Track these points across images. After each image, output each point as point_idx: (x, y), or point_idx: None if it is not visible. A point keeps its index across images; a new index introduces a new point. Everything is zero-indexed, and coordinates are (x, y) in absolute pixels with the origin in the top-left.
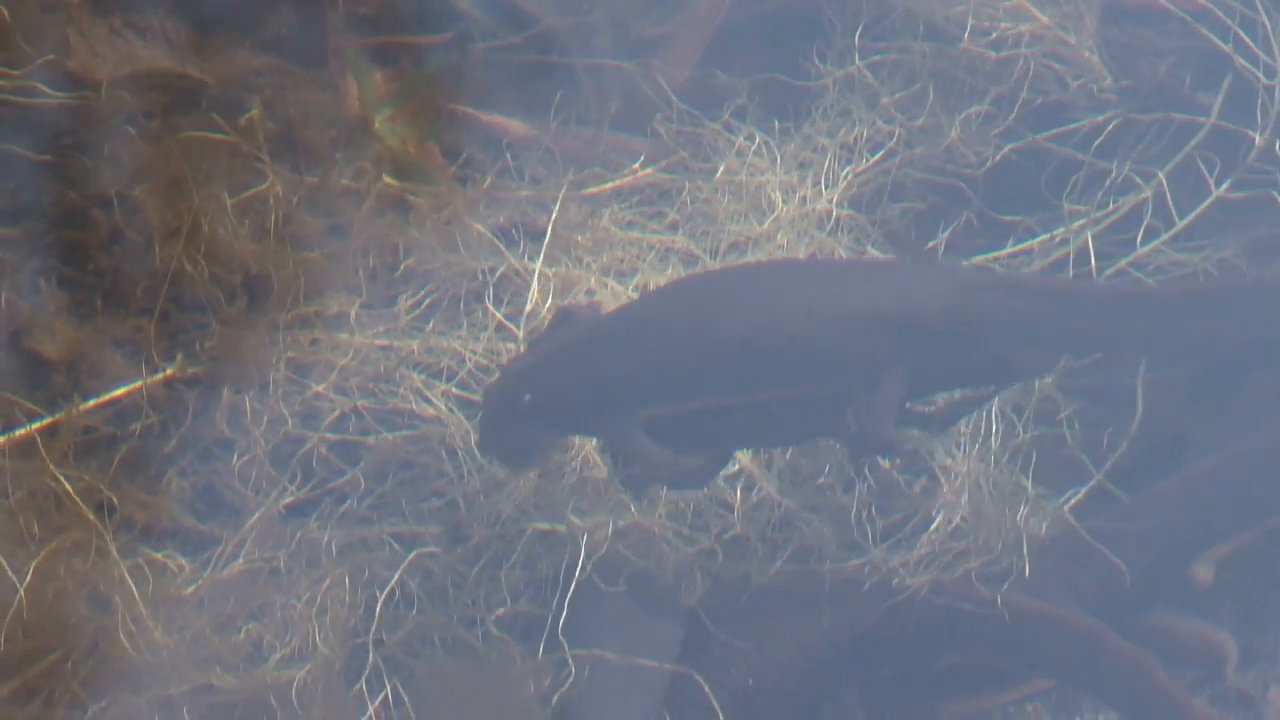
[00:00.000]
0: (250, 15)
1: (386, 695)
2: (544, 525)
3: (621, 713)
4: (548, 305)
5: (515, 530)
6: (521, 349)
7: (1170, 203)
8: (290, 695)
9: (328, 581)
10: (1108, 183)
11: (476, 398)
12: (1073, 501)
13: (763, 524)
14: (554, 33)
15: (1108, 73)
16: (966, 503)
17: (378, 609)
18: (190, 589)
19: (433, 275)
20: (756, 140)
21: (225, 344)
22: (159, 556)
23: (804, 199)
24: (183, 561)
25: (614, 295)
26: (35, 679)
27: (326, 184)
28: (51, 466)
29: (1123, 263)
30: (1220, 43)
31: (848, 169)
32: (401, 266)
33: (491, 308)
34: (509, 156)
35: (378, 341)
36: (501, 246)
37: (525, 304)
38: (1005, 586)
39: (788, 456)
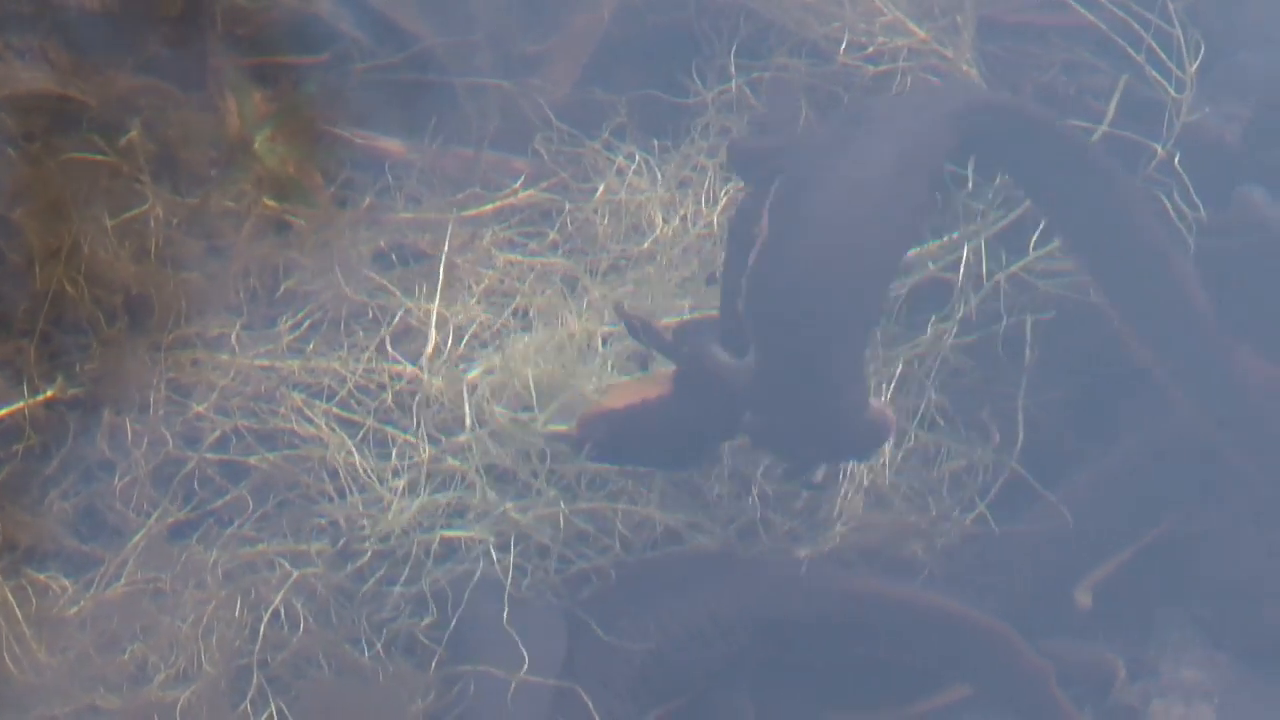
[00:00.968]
0: (130, 37)
1: (272, 716)
2: (431, 539)
3: None
4: (442, 333)
5: (402, 547)
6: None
7: None
8: (175, 716)
9: (213, 602)
10: (990, 194)
11: (358, 417)
12: (970, 515)
13: (646, 539)
14: (433, 52)
15: (987, 85)
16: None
17: (262, 629)
18: (74, 610)
19: (313, 296)
20: (637, 159)
21: (106, 365)
22: (41, 578)
23: (685, 218)
24: (66, 582)
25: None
26: None
27: (207, 205)
28: None
29: (1014, 268)
30: (1092, 57)
31: (728, 187)
32: (282, 287)
33: (384, 332)
34: (389, 177)
35: (258, 362)
36: (395, 268)
37: (406, 324)
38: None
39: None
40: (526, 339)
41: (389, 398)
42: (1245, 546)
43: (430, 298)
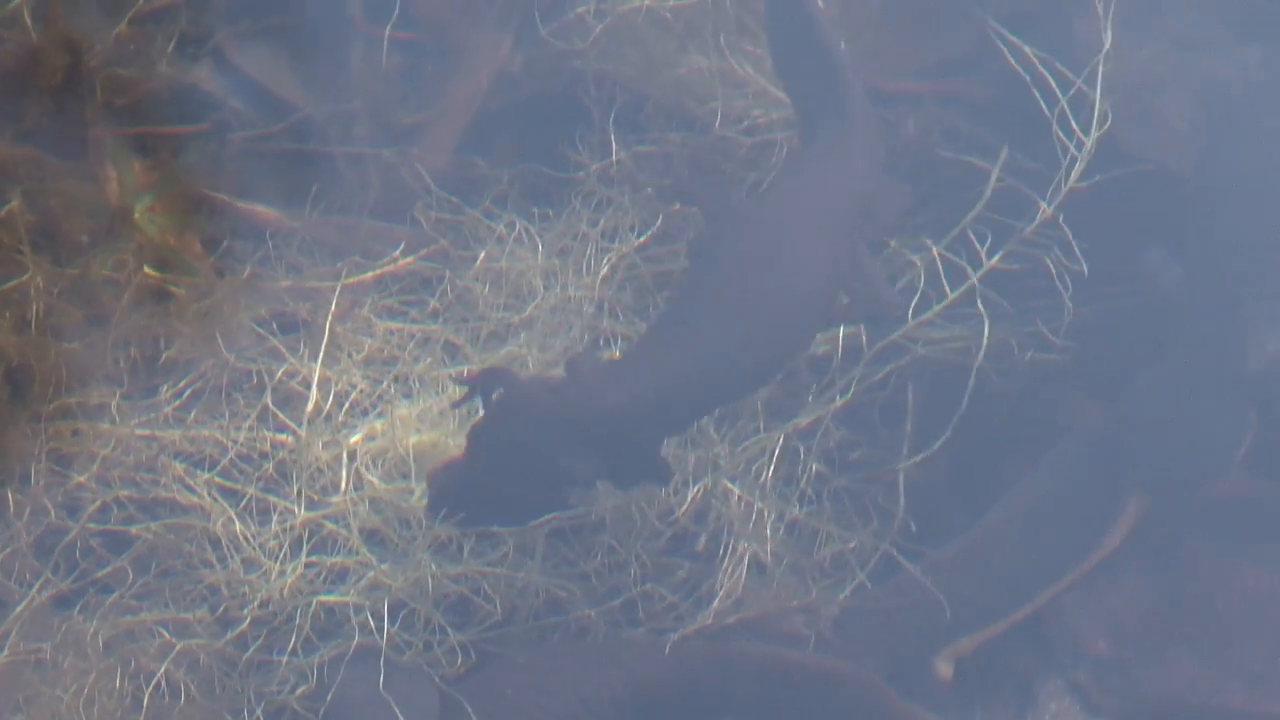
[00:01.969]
0: (9, 106)
1: None
2: (309, 604)
3: None
4: (325, 402)
5: (282, 613)
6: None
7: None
8: None
9: (94, 672)
10: (884, 253)
11: (239, 486)
12: (852, 584)
13: (528, 609)
14: (312, 121)
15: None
16: (745, 572)
17: (145, 700)
18: None
19: (194, 365)
20: (517, 227)
21: None
22: None
23: (565, 285)
24: None
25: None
26: None
27: (87, 275)
28: None
29: (894, 335)
30: (970, 124)
31: (609, 255)
32: (163, 356)
33: (268, 400)
34: (269, 245)
35: (140, 431)
36: (275, 337)
37: (288, 393)
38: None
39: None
40: (407, 406)
41: (270, 466)
42: (1126, 603)
43: (312, 361)
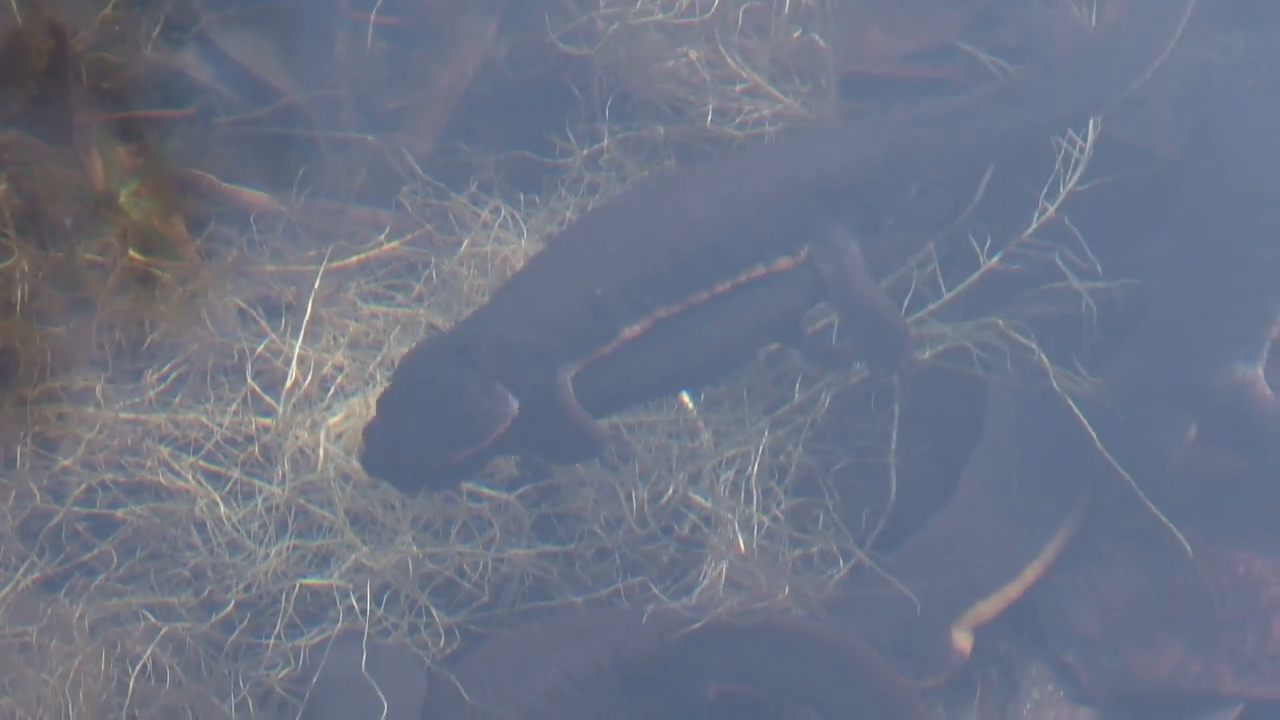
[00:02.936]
0: None
1: None
2: (292, 586)
3: None
4: (306, 382)
5: (268, 597)
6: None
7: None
8: None
9: (80, 656)
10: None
11: (223, 469)
12: (839, 574)
13: (512, 593)
14: (298, 106)
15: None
16: (735, 554)
17: (130, 683)
18: None
19: (179, 348)
20: (502, 213)
21: None
22: None
23: None
24: None
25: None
26: None
27: (72, 259)
28: None
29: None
30: None
31: None
32: (148, 340)
33: (253, 383)
34: (254, 230)
35: (124, 415)
36: (260, 320)
37: (273, 377)
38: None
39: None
40: None
41: (255, 449)
42: (1116, 587)
43: (294, 339)
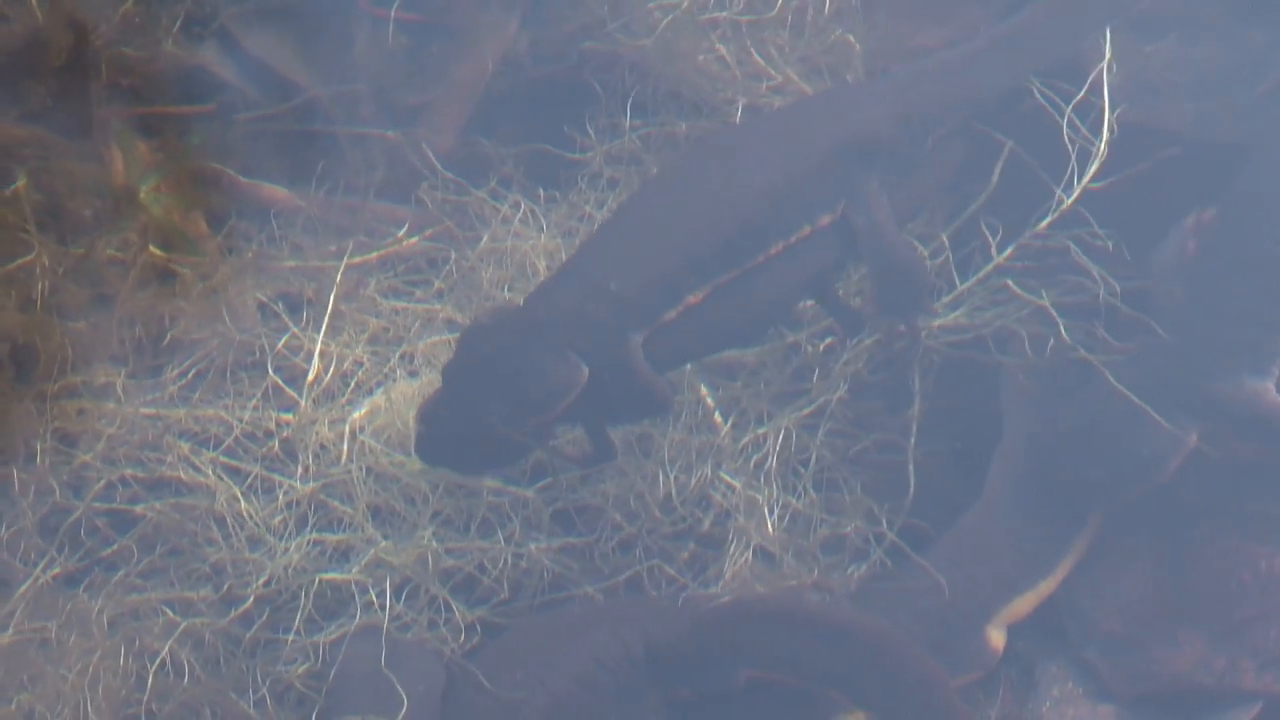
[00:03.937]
0: (15, 87)
1: None
2: (312, 581)
3: None
4: (326, 377)
5: (287, 593)
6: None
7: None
8: None
9: (99, 651)
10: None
11: (243, 465)
12: (865, 566)
13: (532, 588)
14: (317, 101)
15: None
16: (751, 555)
17: (149, 678)
18: None
19: (199, 344)
20: (522, 208)
21: None
22: None
23: None
24: None
25: (382, 363)
26: None
27: (92, 254)
28: None
29: (900, 327)
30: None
31: None
32: (168, 336)
33: (274, 377)
34: (274, 225)
35: (144, 410)
36: (282, 315)
37: (293, 373)
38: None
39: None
40: (412, 383)
41: (275, 445)
42: (1137, 583)
43: (314, 333)
